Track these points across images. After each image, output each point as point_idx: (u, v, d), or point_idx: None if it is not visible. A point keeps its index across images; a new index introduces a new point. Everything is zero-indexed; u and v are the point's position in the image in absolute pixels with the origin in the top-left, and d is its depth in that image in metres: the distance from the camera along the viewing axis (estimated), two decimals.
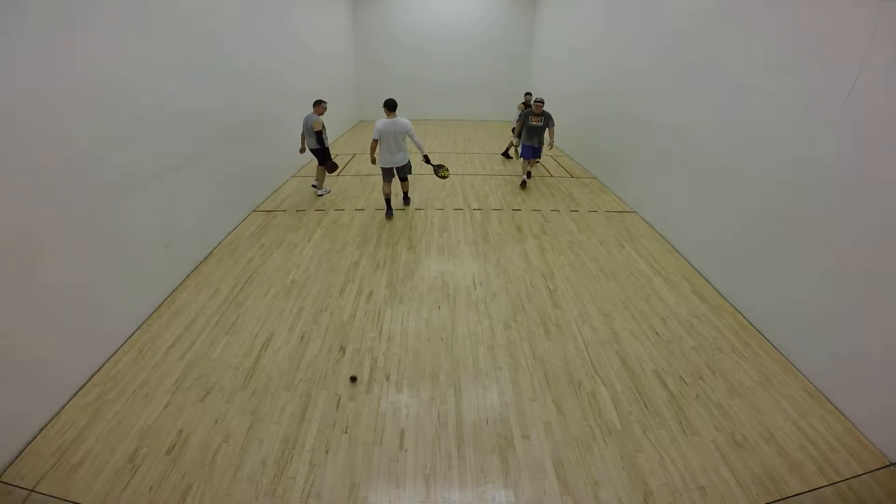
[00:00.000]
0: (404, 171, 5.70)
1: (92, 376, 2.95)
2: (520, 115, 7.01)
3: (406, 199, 6.19)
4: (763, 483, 2.33)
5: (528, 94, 8.53)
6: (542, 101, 6.61)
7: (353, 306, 3.79)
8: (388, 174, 5.58)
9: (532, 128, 6.70)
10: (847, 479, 2.36)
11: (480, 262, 4.60)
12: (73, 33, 2.88)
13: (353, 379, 2.96)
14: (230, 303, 3.80)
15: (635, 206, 6.13)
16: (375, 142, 5.29)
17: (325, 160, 6.15)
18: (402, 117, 5.24)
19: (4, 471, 2.30)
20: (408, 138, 5.39)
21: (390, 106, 5.19)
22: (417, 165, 6.23)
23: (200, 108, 4.48)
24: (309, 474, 2.33)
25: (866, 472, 2.39)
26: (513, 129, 8.10)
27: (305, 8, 8.12)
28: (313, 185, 6.60)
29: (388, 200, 5.75)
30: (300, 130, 6.23)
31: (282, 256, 4.62)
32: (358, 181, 7.25)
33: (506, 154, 8.94)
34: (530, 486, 2.30)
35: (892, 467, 2.42)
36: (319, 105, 5.99)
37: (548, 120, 6.66)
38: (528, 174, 7.26)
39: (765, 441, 2.57)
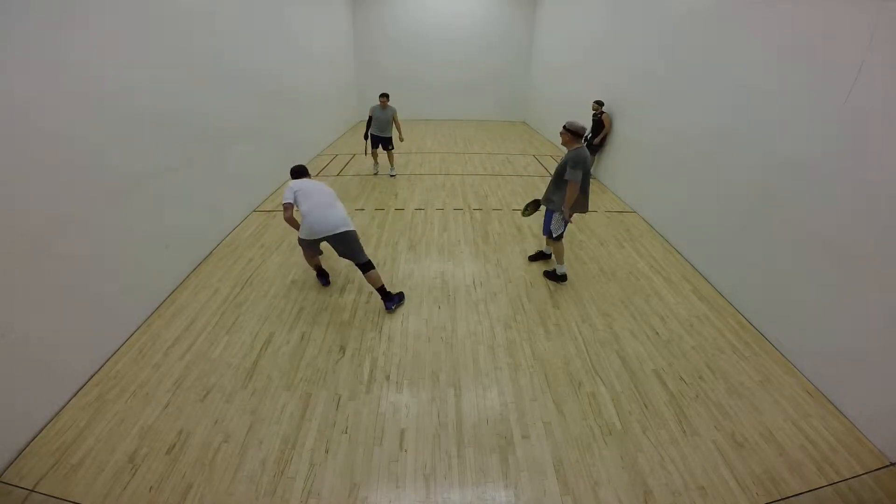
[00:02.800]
0: (353, 252, 3.46)
1: (92, 376, 2.95)
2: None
3: (389, 298, 3.63)
4: (763, 483, 2.33)
5: (598, 102, 6.78)
6: (576, 131, 3.74)
7: (353, 306, 3.79)
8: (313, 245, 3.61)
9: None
10: (847, 479, 2.36)
11: (480, 262, 4.60)
12: (73, 33, 2.88)
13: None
14: (230, 303, 3.80)
15: (635, 206, 6.12)
16: (290, 206, 3.42)
17: (377, 145, 7.30)
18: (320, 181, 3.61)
19: (4, 471, 2.30)
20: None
21: (298, 174, 3.84)
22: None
23: (200, 107, 4.48)
24: (309, 474, 2.33)
25: (866, 472, 2.39)
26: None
27: (305, 8, 8.12)
28: (391, 174, 7.55)
29: (318, 268, 4.05)
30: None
31: (282, 256, 4.62)
32: (358, 181, 7.25)
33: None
34: (530, 486, 2.30)
35: (892, 467, 2.42)
36: (380, 98, 6.93)
37: (564, 164, 3.84)
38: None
39: (765, 441, 2.57)
